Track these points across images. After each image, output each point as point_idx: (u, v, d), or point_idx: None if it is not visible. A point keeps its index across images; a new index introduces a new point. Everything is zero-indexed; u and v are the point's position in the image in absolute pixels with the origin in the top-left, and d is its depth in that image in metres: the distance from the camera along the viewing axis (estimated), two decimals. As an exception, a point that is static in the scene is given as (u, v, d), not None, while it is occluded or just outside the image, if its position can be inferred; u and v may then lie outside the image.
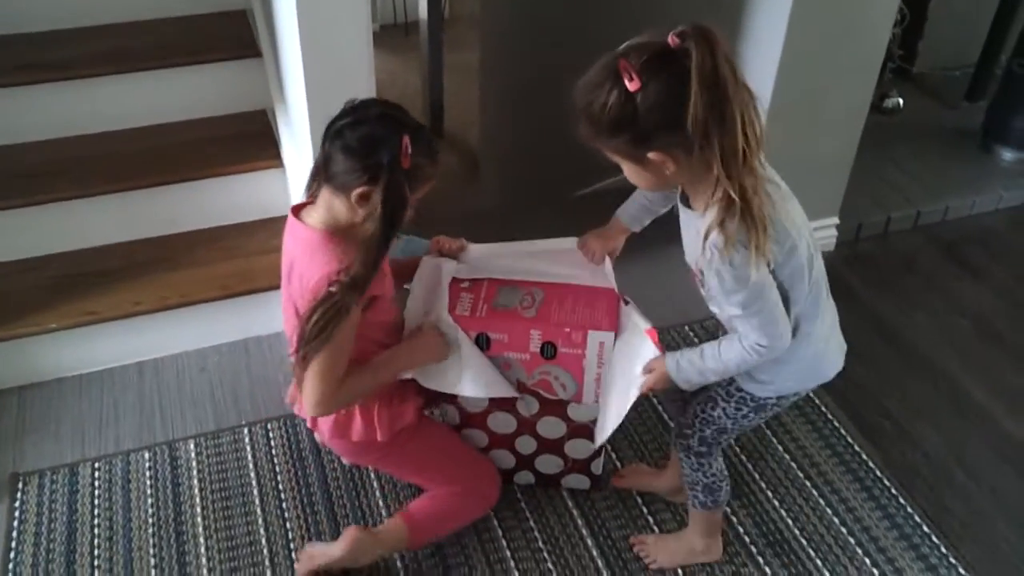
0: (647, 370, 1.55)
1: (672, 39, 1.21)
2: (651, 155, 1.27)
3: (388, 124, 1.45)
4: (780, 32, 2.17)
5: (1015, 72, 2.95)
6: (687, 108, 1.18)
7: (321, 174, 1.48)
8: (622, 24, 2.85)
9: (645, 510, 1.85)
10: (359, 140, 1.43)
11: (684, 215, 1.41)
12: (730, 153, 1.22)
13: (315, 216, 1.51)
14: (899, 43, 3.36)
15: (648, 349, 1.56)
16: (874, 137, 2.60)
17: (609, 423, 1.65)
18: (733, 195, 1.23)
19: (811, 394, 2.12)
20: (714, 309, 1.45)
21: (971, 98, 3.37)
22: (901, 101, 3.31)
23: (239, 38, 2.42)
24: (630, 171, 1.34)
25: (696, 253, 1.34)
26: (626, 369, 1.60)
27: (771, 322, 1.35)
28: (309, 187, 1.54)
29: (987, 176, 2.97)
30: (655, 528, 1.82)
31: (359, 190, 1.42)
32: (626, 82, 1.21)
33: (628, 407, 1.60)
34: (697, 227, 1.33)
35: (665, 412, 2.05)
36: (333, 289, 1.42)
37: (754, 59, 2.29)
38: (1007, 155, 3.04)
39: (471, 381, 1.64)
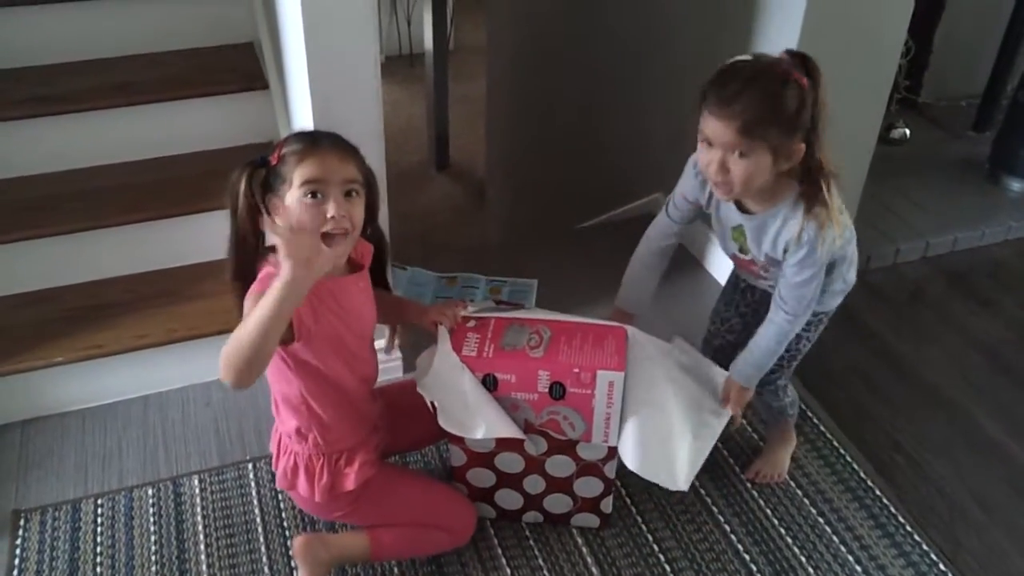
0: (723, 398, 1.71)
1: (787, 55, 1.47)
2: (796, 144, 1.46)
3: (300, 137, 1.52)
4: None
5: (1022, 103, 2.95)
6: (819, 108, 1.45)
7: None
8: (629, 57, 2.87)
9: (656, 548, 1.82)
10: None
11: (746, 223, 1.61)
12: (826, 149, 1.49)
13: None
14: (905, 74, 3.37)
15: (717, 373, 1.68)
16: (881, 168, 2.59)
17: (686, 465, 1.63)
18: (825, 187, 1.50)
19: (823, 429, 2.10)
20: (764, 284, 1.74)
21: (978, 128, 3.37)
22: (908, 132, 3.31)
23: (246, 70, 2.42)
24: (757, 165, 1.46)
25: (766, 246, 1.59)
26: (697, 402, 1.67)
27: (816, 291, 1.60)
28: None
29: (995, 207, 2.96)
30: (665, 566, 1.79)
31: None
32: (800, 80, 1.43)
33: (714, 440, 1.67)
34: (766, 223, 1.57)
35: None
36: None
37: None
38: (1015, 185, 3.03)
39: (482, 421, 1.61)
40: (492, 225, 3.72)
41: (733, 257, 1.74)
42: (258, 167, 1.49)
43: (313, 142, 1.48)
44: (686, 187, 1.69)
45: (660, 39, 2.70)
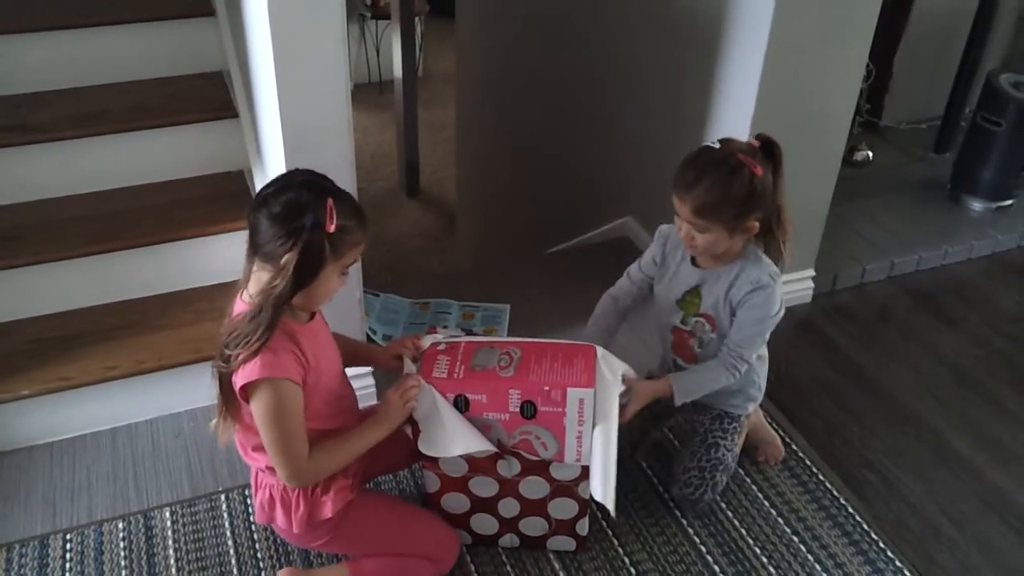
0: (623, 396, 1.67)
1: (755, 142, 1.69)
2: (750, 223, 1.67)
3: (312, 189, 1.46)
4: (752, 92, 2.21)
5: (980, 125, 3.02)
6: (777, 188, 1.69)
7: (249, 248, 1.49)
8: (597, 84, 2.91)
9: (633, 571, 1.82)
10: (283, 206, 1.43)
11: (704, 276, 1.77)
12: (783, 220, 1.73)
13: (249, 292, 1.51)
14: (866, 98, 3.44)
15: (617, 384, 1.64)
16: (846, 189, 2.64)
17: (602, 475, 1.62)
18: (783, 247, 1.74)
19: (795, 448, 2.12)
20: (699, 351, 1.84)
21: (938, 150, 3.45)
22: (871, 154, 3.38)
23: (216, 99, 2.42)
24: (716, 238, 1.67)
25: (716, 298, 1.75)
26: (607, 412, 1.62)
27: (764, 339, 1.79)
28: (245, 268, 1.53)
29: (957, 226, 3.02)
30: (643, 589, 1.79)
31: (285, 257, 1.41)
32: (753, 169, 1.63)
33: (615, 444, 1.62)
34: (719, 280, 1.74)
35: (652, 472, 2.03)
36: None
37: (727, 116, 2.33)
38: (976, 205, 3.09)
39: (460, 439, 1.61)
40: (463, 251, 3.73)
41: (673, 331, 1.86)
42: (319, 228, 1.43)
43: (365, 224, 1.51)
44: (647, 257, 1.90)
45: (628, 67, 2.74)
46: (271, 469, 1.58)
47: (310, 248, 1.41)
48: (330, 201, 1.42)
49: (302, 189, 1.45)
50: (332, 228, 1.42)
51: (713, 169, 1.64)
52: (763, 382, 1.93)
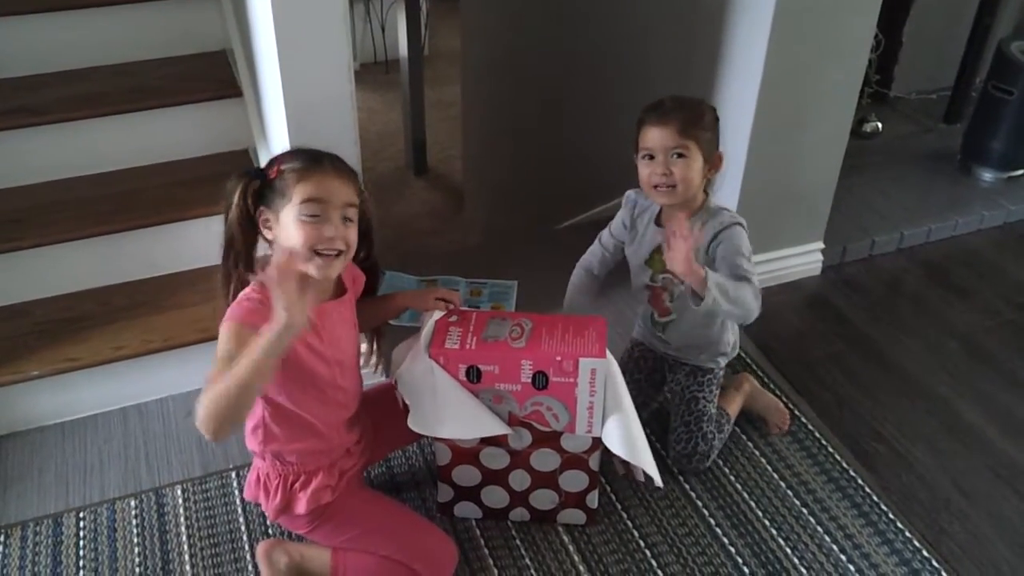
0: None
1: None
2: (717, 155, 1.79)
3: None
4: (759, 61, 2.19)
5: (991, 95, 2.99)
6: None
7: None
8: (602, 59, 2.88)
9: (642, 543, 1.83)
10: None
11: (673, 227, 1.67)
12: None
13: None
14: (875, 68, 3.40)
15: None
16: (855, 161, 2.62)
17: (629, 442, 1.64)
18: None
19: (804, 421, 2.11)
20: (670, 305, 1.90)
21: (948, 120, 3.41)
22: (880, 125, 3.34)
23: (219, 78, 2.41)
24: (693, 165, 1.74)
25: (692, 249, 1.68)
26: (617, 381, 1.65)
27: (752, 268, 1.80)
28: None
29: (967, 197, 2.99)
30: (651, 560, 1.79)
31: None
32: (714, 110, 1.82)
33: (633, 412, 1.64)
34: (687, 229, 1.65)
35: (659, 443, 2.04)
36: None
37: (733, 89, 2.30)
38: (986, 176, 3.07)
39: (452, 421, 1.62)
40: (471, 228, 3.72)
41: (647, 289, 1.93)
42: (254, 178, 1.49)
43: (315, 161, 1.49)
44: (616, 222, 1.97)
45: (636, 41, 2.72)
46: (260, 455, 1.60)
47: (256, 192, 1.48)
48: (279, 155, 1.50)
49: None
50: (273, 173, 1.47)
51: (684, 101, 1.78)
52: (736, 339, 2.01)
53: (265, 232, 1.51)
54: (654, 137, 1.74)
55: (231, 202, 1.50)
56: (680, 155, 1.73)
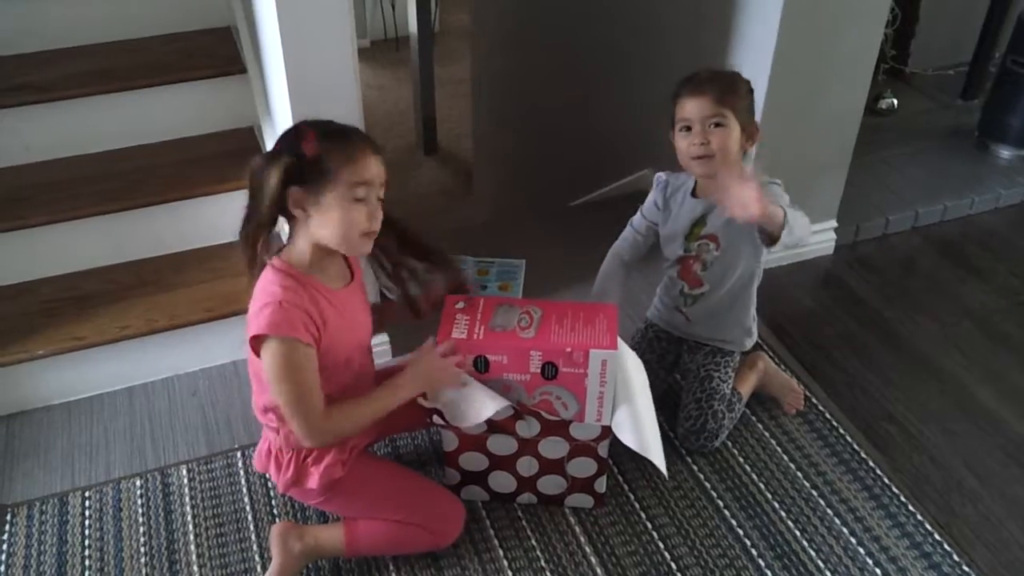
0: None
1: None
2: (755, 125, 1.80)
3: (296, 127, 1.50)
4: (771, 36, 2.15)
5: (1010, 69, 2.93)
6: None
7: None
8: (615, 33, 2.84)
9: (650, 525, 1.81)
10: (276, 142, 1.51)
11: (707, 205, 1.81)
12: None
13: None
14: (891, 43, 3.34)
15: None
16: (869, 138, 2.57)
17: (637, 430, 1.62)
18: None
19: (815, 401, 2.09)
20: (703, 274, 1.89)
21: (966, 97, 3.35)
22: (896, 102, 3.29)
23: (224, 55, 2.39)
24: (731, 134, 1.74)
25: (726, 217, 1.72)
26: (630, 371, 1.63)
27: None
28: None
29: (984, 175, 2.94)
30: (659, 543, 1.77)
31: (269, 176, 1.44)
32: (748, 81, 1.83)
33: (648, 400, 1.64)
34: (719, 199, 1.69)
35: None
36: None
37: (746, 64, 2.26)
38: (1004, 153, 3.01)
39: (483, 405, 1.60)
40: (481, 207, 3.69)
41: (679, 261, 1.91)
42: (291, 159, 1.43)
43: (354, 139, 1.47)
44: (648, 203, 1.96)
45: (647, 15, 2.67)
46: (274, 429, 1.59)
47: (290, 170, 1.42)
48: (307, 129, 1.44)
49: (288, 130, 1.50)
50: (311, 152, 1.42)
51: (718, 73, 1.80)
52: (755, 326, 2.00)
53: (296, 212, 1.47)
54: (691, 108, 1.74)
55: (269, 186, 1.42)
56: (718, 124, 1.73)
